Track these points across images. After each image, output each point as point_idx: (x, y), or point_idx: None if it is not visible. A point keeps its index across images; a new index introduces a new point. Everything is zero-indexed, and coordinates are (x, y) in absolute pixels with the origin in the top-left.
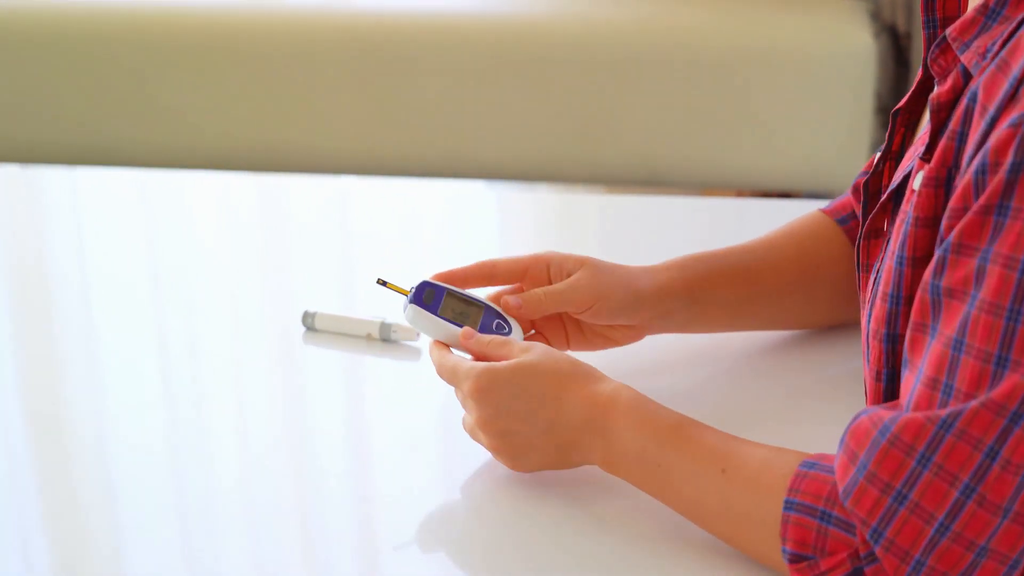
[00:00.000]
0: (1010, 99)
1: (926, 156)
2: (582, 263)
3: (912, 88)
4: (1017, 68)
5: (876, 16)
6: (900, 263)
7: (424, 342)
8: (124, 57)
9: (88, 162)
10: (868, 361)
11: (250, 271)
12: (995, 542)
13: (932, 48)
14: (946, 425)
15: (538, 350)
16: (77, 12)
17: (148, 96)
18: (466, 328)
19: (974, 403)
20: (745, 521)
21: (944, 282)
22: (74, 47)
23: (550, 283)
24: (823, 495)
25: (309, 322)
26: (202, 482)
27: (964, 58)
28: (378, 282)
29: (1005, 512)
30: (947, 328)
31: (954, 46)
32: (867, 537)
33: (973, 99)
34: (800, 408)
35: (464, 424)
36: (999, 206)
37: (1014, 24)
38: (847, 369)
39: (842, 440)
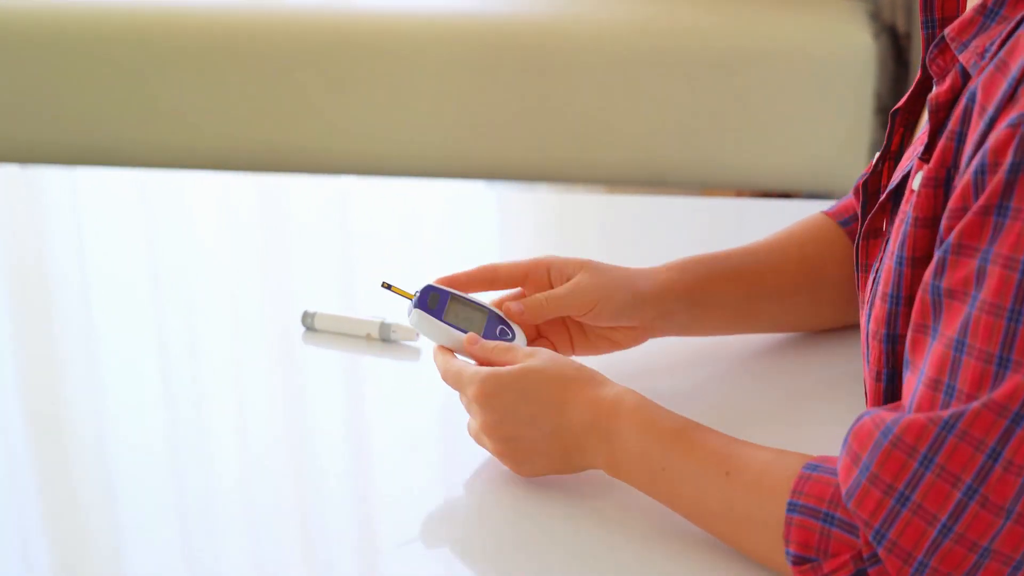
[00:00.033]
0: (1009, 99)
1: (925, 156)
2: (582, 266)
3: (911, 88)
4: (1016, 68)
5: (876, 16)
6: (900, 263)
7: (424, 342)
8: (124, 57)
9: (88, 162)
10: (868, 361)
11: (250, 271)
12: (998, 543)
13: (931, 48)
14: (948, 426)
15: (542, 355)
16: (77, 12)
17: (148, 96)
18: (471, 333)
19: (976, 404)
20: (748, 523)
21: (944, 283)
22: (74, 47)
23: (551, 287)
24: (826, 497)
25: (309, 322)
26: (202, 482)
27: (963, 58)
28: (383, 286)
29: (1008, 513)
30: (948, 329)
31: (952, 46)
32: (870, 538)
33: (972, 99)
34: (800, 409)
35: (469, 429)
36: (999, 206)
37: (1012, 24)
38: (848, 370)
39: (845, 442)
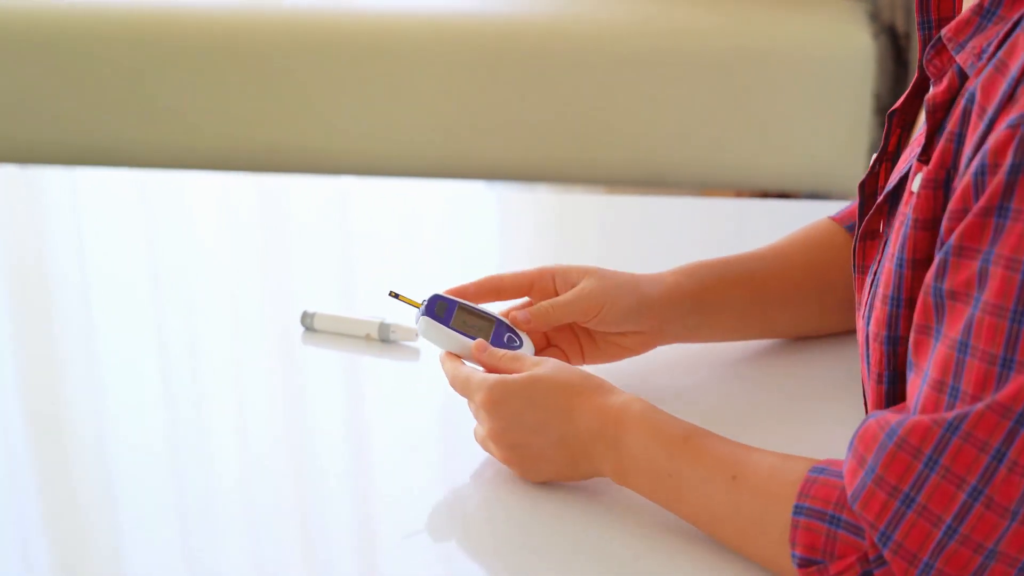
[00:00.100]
0: (1008, 100)
1: (923, 157)
2: (587, 272)
3: (908, 89)
4: (1015, 69)
5: (875, 17)
6: (900, 265)
7: (423, 342)
8: (124, 57)
9: (88, 162)
10: (868, 364)
11: (250, 271)
12: (1003, 544)
13: (927, 49)
14: (952, 427)
15: (550, 363)
16: (77, 12)
17: (148, 96)
18: (479, 340)
19: (980, 405)
20: (754, 527)
21: (946, 284)
22: (74, 47)
23: (556, 295)
24: (832, 500)
25: (308, 322)
26: (202, 482)
27: (960, 59)
28: (390, 294)
29: (1013, 514)
30: (951, 330)
31: (949, 47)
32: (876, 540)
33: (971, 100)
34: (802, 411)
35: (476, 435)
36: (999, 208)
37: (1010, 24)
38: (849, 372)
39: (850, 444)
